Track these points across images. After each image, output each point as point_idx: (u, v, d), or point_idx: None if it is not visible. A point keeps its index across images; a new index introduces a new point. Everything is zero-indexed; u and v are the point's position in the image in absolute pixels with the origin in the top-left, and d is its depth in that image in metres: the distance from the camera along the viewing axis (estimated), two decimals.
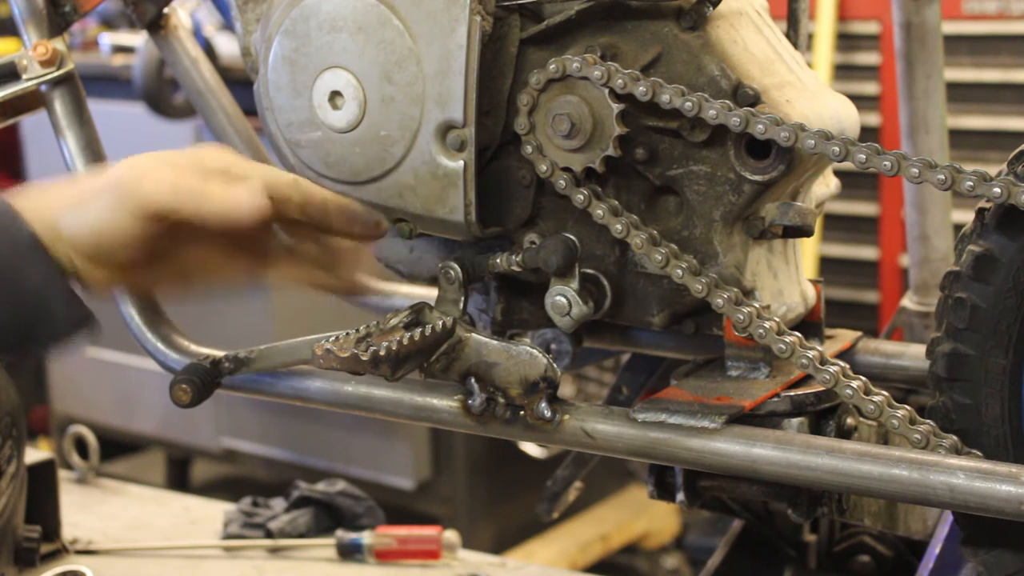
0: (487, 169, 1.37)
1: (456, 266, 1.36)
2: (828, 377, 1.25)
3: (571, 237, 1.36)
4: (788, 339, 1.26)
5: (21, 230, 1.16)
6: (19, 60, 1.53)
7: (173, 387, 1.35)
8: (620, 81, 1.28)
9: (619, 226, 1.30)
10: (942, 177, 1.21)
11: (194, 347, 1.49)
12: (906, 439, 1.23)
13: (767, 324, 1.27)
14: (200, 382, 1.36)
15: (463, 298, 1.36)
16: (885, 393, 1.25)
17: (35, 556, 1.80)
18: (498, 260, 1.37)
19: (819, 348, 1.27)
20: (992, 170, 1.24)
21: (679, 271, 1.29)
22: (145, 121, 3.70)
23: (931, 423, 1.24)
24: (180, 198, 1.18)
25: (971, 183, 1.20)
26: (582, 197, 1.31)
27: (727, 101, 1.26)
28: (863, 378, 1.26)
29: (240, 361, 1.40)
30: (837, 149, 1.24)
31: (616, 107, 1.29)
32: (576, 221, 1.37)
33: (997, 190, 1.19)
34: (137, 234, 1.17)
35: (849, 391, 1.24)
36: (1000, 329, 1.24)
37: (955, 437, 1.23)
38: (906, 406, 1.24)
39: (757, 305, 1.28)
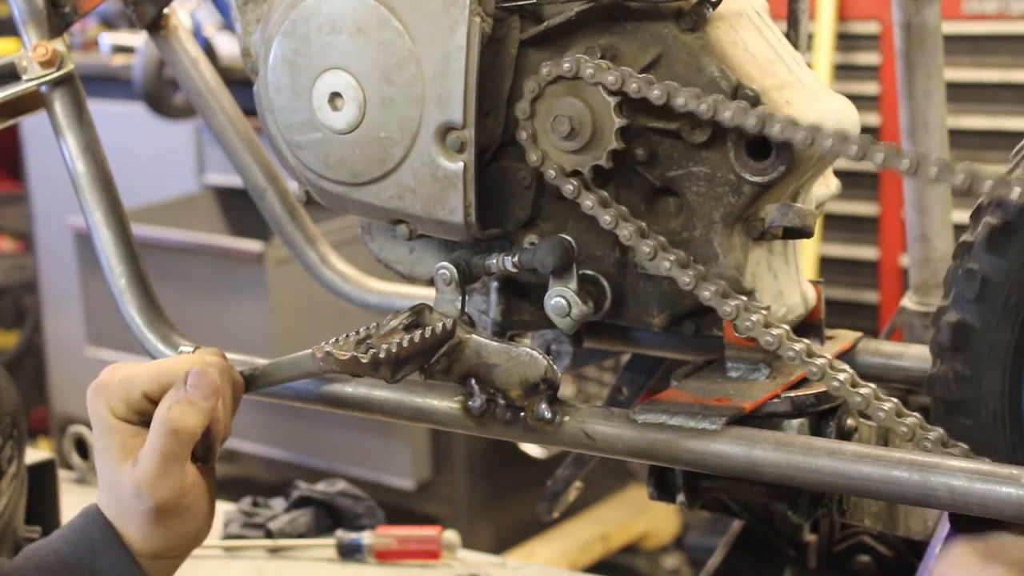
0: (487, 170, 1.37)
1: (452, 267, 1.36)
2: (815, 370, 1.24)
3: (567, 238, 1.36)
4: (775, 331, 1.25)
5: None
6: (19, 61, 1.52)
7: None
8: (612, 78, 1.28)
9: (627, 232, 1.30)
10: (907, 163, 1.20)
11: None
12: (893, 431, 1.23)
13: (753, 317, 1.26)
14: None
15: (461, 299, 1.36)
16: (873, 385, 1.24)
17: None
18: (494, 261, 1.37)
19: (806, 341, 1.26)
20: None
21: (686, 279, 1.28)
22: (145, 121, 3.70)
23: (918, 416, 1.24)
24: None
25: (936, 169, 1.20)
26: (590, 204, 1.31)
27: (718, 95, 1.26)
28: (850, 370, 1.25)
29: (247, 381, 1.40)
30: (803, 135, 1.23)
31: (612, 99, 1.28)
32: (576, 222, 1.37)
33: (960, 176, 1.18)
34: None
35: (836, 383, 1.24)
36: (1009, 303, 1.24)
37: (941, 430, 1.23)
38: (894, 399, 1.24)
39: (764, 312, 1.27)
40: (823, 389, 1.30)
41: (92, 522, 1.27)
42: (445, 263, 1.36)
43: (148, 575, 1.26)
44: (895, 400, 1.24)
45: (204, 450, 1.30)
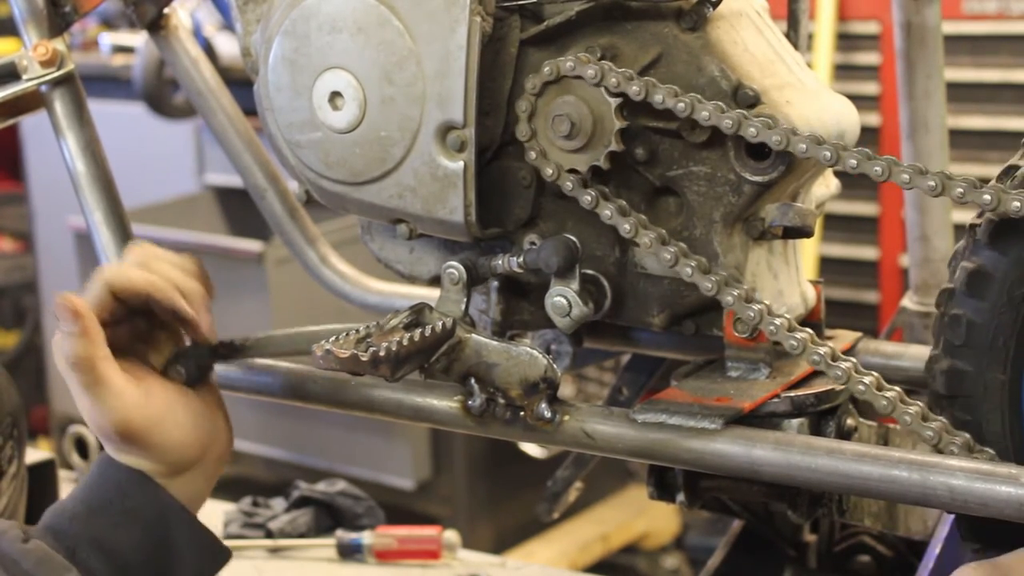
0: (487, 169, 1.37)
1: (460, 267, 1.36)
2: (840, 373, 1.24)
3: (571, 238, 1.36)
4: (799, 335, 1.25)
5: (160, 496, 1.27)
6: (19, 60, 1.52)
7: (166, 369, 1.35)
8: (614, 80, 1.28)
9: (627, 226, 1.30)
10: (878, 169, 1.21)
11: None
12: (919, 435, 1.22)
13: (777, 321, 1.26)
14: (194, 365, 1.35)
15: (466, 299, 1.36)
16: (898, 388, 1.24)
17: None
18: (499, 261, 1.37)
19: (830, 345, 1.26)
20: (992, 171, 1.24)
21: (688, 270, 1.28)
22: (145, 121, 3.71)
23: (943, 420, 1.23)
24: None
25: (908, 175, 1.20)
26: (589, 198, 1.31)
27: (720, 103, 1.26)
28: (875, 374, 1.25)
29: (235, 348, 1.40)
30: (778, 138, 1.23)
31: (614, 101, 1.28)
32: (577, 222, 1.37)
33: (931, 183, 1.19)
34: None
35: (862, 387, 1.24)
36: (997, 344, 1.24)
37: (967, 435, 1.22)
38: (919, 403, 1.24)
39: (788, 317, 1.27)
40: (823, 389, 1.30)
41: (109, 466, 1.28)
42: (453, 262, 1.36)
43: (177, 496, 1.28)
44: (920, 404, 1.23)
45: (177, 354, 1.34)
